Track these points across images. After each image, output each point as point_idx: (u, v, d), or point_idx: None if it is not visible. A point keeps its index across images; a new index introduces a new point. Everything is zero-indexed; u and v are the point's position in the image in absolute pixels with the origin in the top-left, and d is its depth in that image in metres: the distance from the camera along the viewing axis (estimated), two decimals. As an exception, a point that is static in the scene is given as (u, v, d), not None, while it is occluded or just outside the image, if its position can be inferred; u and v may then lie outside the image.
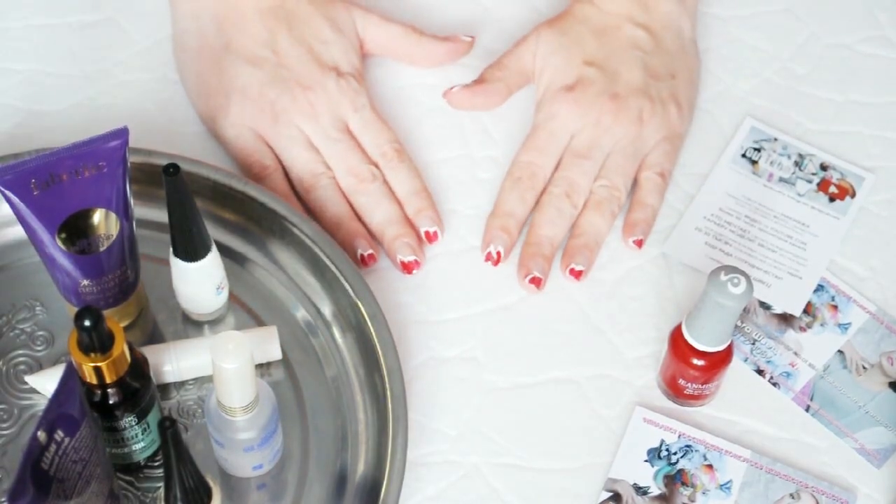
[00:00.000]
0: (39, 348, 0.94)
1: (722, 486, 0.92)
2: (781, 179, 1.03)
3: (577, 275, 0.98)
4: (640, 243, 1.00)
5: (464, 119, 1.05)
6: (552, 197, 1.00)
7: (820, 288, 0.99)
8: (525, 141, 1.02)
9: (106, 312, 0.89)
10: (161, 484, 0.89)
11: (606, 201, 1.00)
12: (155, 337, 0.94)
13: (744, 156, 1.04)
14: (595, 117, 1.01)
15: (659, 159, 1.01)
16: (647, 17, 1.04)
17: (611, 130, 1.01)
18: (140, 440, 0.87)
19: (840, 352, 0.97)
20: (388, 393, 0.90)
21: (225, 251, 0.96)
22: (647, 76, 1.02)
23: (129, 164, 0.86)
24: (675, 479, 0.92)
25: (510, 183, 1.01)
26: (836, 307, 0.99)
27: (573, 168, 1.00)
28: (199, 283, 0.91)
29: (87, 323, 0.79)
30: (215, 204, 0.96)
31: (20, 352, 0.93)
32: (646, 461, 0.93)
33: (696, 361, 0.90)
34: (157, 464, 0.90)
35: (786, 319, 0.98)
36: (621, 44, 1.03)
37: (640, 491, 0.92)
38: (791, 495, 0.92)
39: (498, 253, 0.99)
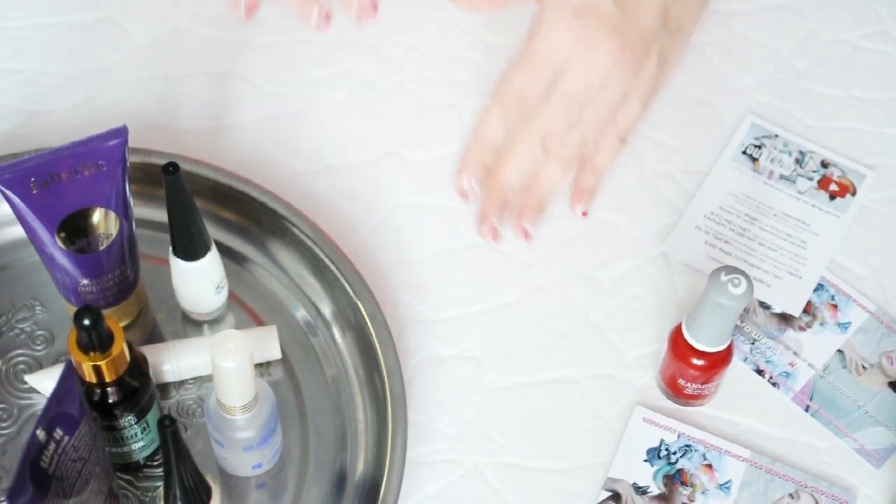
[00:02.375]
0: (39, 348, 0.94)
1: (721, 485, 0.92)
2: (782, 177, 1.03)
3: (526, 235, 0.97)
4: (585, 215, 0.98)
5: (463, 114, 1.05)
6: (528, 137, 0.95)
7: (820, 287, 0.99)
8: (518, 60, 0.95)
9: (105, 312, 0.88)
10: (160, 483, 0.89)
11: (573, 158, 0.96)
12: (155, 336, 0.94)
13: (744, 153, 1.04)
14: (595, 57, 0.94)
15: (626, 122, 0.97)
16: None
17: (607, 77, 0.94)
18: (139, 439, 0.88)
19: (840, 351, 0.97)
20: (388, 392, 0.90)
21: (225, 251, 0.96)
22: (660, 24, 0.96)
23: (128, 164, 0.86)
24: (675, 479, 0.92)
25: (499, 109, 0.96)
26: (835, 306, 0.98)
27: (557, 111, 0.94)
28: (199, 282, 0.91)
29: (86, 322, 0.79)
30: (215, 204, 0.96)
31: (20, 351, 0.93)
32: (645, 461, 0.93)
33: (695, 361, 0.90)
34: (156, 463, 0.90)
35: (785, 319, 0.98)
36: None
37: (640, 491, 0.92)
38: (790, 495, 0.92)
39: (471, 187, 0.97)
